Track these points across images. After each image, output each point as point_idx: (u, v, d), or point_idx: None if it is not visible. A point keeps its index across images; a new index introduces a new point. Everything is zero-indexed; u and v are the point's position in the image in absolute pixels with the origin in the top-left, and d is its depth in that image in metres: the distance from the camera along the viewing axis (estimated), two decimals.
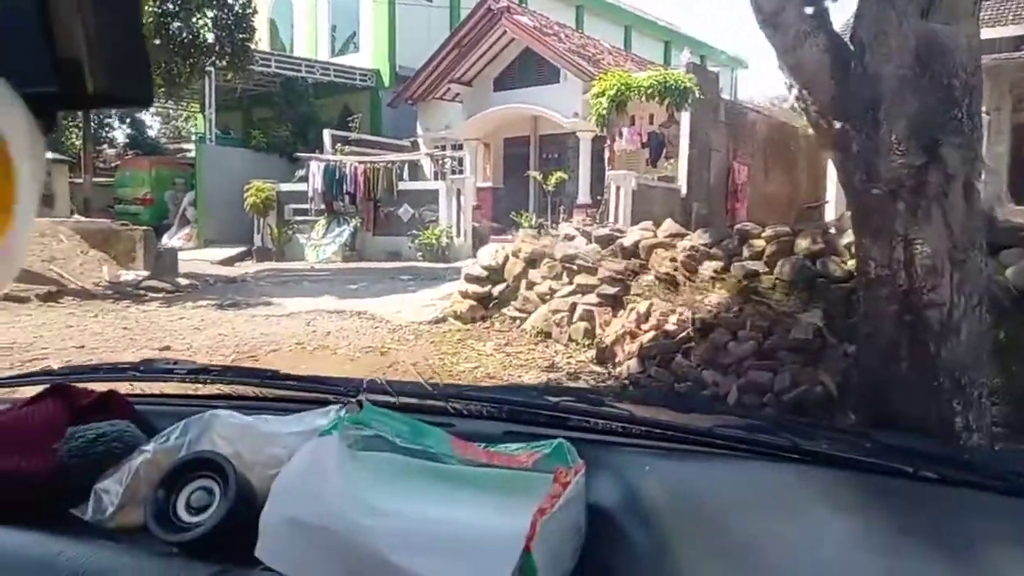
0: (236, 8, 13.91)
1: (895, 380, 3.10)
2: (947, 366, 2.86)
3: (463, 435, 0.84)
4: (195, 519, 0.74)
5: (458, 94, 16.64)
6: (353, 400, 0.87)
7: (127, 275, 10.41)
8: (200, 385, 1.09)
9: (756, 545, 0.72)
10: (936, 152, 2.72)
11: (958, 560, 0.68)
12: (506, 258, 8.53)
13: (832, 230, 6.28)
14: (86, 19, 0.27)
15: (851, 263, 5.34)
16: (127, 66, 0.30)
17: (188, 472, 0.77)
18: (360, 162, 15.29)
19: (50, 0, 0.27)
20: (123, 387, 1.04)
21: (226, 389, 1.07)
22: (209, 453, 0.78)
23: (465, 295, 8.49)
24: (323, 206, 15.14)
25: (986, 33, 11.59)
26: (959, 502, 0.77)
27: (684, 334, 5.84)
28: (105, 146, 25.31)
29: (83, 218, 13.08)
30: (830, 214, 11.97)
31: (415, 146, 17.71)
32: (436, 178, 16.15)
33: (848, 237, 5.40)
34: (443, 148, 17.47)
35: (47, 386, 0.96)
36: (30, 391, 1.00)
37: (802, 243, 6.11)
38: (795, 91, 3.77)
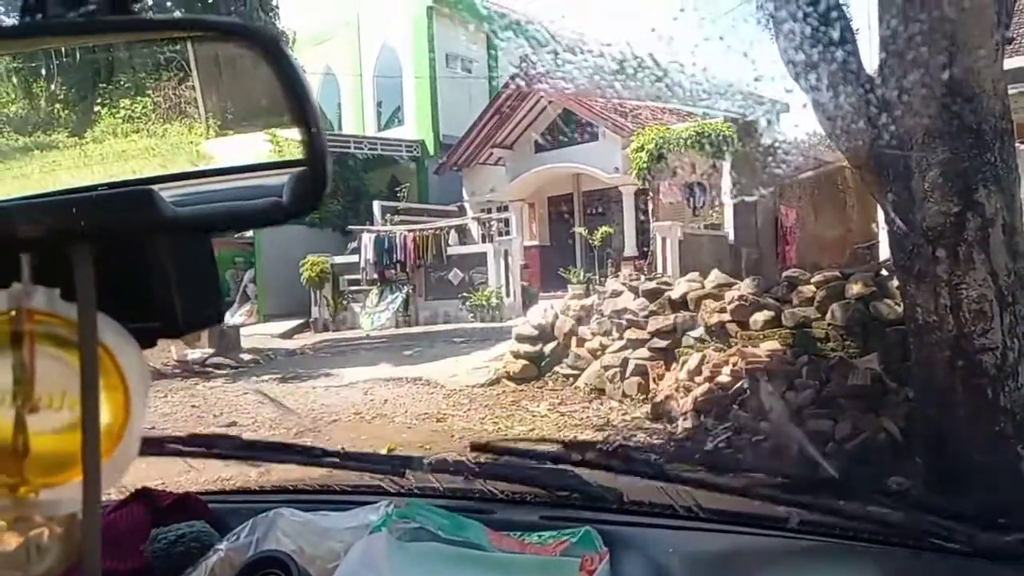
0: None
1: (955, 426, 3.04)
2: (1007, 410, 2.80)
3: (502, 520, 0.92)
4: None
5: (500, 158, 17.05)
6: (401, 493, 0.96)
7: (194, 354, 10.82)
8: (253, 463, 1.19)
9: None
10: (971, 198, 2.73)
11: None
12: (556, 316, 8.61)
13: (883, 271, 6.19)
14: (178, 268, 0.38)
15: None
16: (206, 296, 0.41)
17: (257, 570, 0.86)
18: (409, 230, 15.70)
19: (149, 255, 0.38)
20: (195, 486, 1.14)
21: (288, 484, 1.18)
22: (275, 552, 0.88)
23: (517, 355, 8.57)
24: (376, 275, 15.53)
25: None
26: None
27: (739, 385, 5.78)
28: None
29: None
30: (884, 252, 11.73)
31: (462, 211, 18.11)
32: (484, 240, 16.43)
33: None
34: (489, 211, 17.83)
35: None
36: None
37: (853, 287, 6.04)
38: (834, 137, 3.81)
